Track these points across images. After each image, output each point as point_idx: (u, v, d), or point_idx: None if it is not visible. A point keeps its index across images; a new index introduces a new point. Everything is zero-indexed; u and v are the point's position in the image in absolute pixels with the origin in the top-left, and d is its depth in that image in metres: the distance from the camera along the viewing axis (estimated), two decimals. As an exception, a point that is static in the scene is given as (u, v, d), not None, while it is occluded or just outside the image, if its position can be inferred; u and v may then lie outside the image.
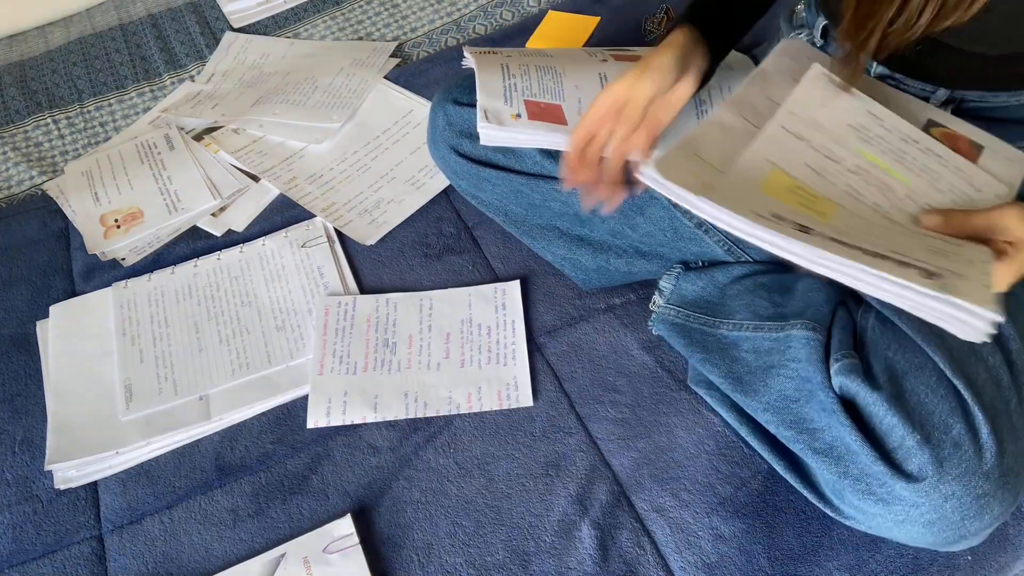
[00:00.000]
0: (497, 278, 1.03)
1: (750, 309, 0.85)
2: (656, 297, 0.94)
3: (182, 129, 1.27)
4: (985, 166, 0.75)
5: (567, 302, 0.99)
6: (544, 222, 0.97)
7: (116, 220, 1.15)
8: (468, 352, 0.96)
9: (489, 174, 0.95)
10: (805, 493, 0.77)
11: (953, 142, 0.76)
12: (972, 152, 0.76)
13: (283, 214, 1.14)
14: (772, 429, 0.79)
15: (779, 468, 0.79)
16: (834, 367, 0.76)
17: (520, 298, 1.00)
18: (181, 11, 1.52)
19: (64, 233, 1.16)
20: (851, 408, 0.74)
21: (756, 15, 0.86)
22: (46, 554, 0.85)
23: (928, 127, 0.77)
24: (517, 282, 1.01)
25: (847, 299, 0.84)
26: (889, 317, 0.77)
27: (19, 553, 0.85)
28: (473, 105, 0.89)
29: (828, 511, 0.76)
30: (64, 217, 1.17)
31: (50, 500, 0.89)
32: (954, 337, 0.70)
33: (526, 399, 0.92)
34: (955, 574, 0.75)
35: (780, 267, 0.90)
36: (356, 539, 0.81)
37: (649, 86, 0.76)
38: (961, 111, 0.77)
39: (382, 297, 1.01)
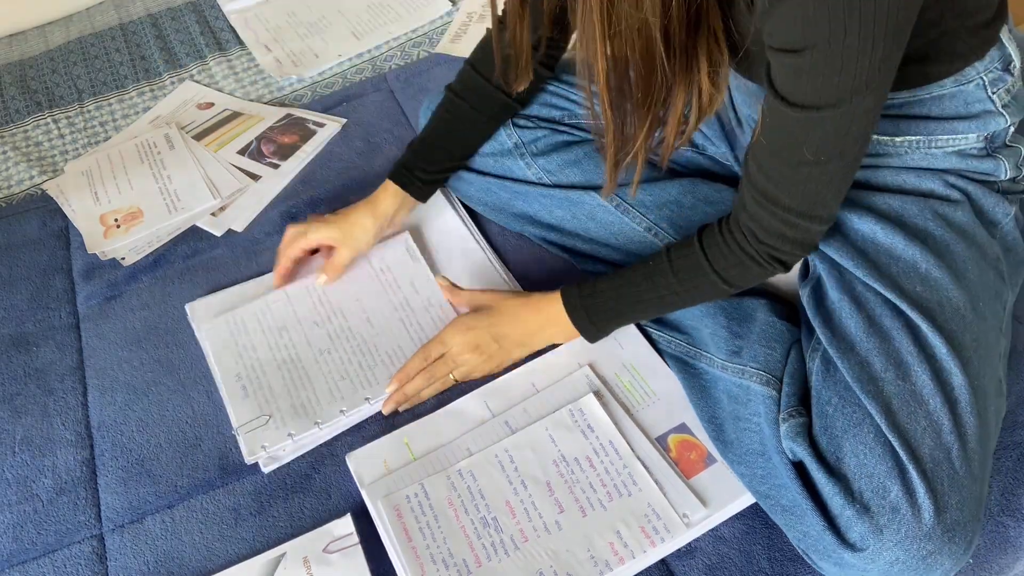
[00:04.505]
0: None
1: (714, 340, 0.86)
2: None
3: (182, 128, 1.27)
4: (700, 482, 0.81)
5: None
6: (518, 211, 1.04)
7: (116, 220, 1.15)
8: (582, 495, 0.81)
9: (463, 173, 1.06)
10: (791, 539, 0.77)
11: (687, 451, 0.84)
12: (701, 463, 0.83)
13: (284, 213, 1.14)
14: (745, 483, 0.79)
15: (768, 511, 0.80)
16: (782, 427, 0.76)
17: (602, 412, 0.86)
18: (181, 11, 1.52)
19: (64, 233, 1.16)
20: (804, 469, 0.75)
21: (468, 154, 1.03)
22: (46, 553, 0.85)
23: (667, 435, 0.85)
24: (591, 395, 0.87)
25: (802, 334, 0.85)
26: (832, 358, 0.77)
27: (19, 553, 0.85)
28: None
29: (808, 561, 0.75)
30: (64, 217, 1.17)
31: (50, 500, 0.89)
32: (894, 382, 0.72)
33: (676, 525, 0.78)
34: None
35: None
36: (356, 539, 0.81)
37: (346, 254, 1.00)
38: None
39: (451, 469, 0.84)
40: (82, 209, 1.17)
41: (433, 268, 1.03)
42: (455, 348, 0.90)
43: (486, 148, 1.03)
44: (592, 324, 0.87)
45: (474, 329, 0.90)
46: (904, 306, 0.75)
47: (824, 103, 0.63)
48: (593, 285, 0.86)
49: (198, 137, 1.26)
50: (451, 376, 0.91)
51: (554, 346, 0.93)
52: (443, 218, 1.08)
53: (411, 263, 1.03)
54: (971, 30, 0.73)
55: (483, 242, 1.05)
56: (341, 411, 0.91)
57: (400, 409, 0.91)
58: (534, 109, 1.03)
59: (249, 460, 0.88)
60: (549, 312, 0.88)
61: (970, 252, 0.78)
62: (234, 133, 1.26)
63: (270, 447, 0.88)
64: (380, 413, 0.91)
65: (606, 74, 0.68)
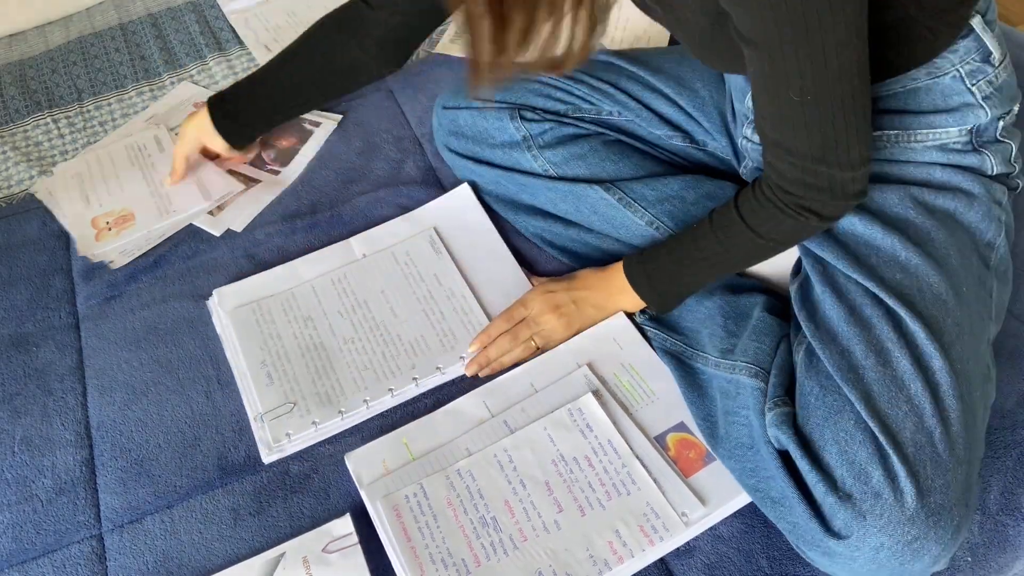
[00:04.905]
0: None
1: (711, 340, 0.87)
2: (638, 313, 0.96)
3: (172, 131, 1.27)
4: (698, 481, 0.81)
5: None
6: (524, 203, 1.06)
7: (107, 222, 1.14)
8: (581, 495, 0.81)
9: (474, 166, 1.09)
10: (784, 533, 0.77)
11: (685, 449, 0.84)
12: (700, 461, 0.82)
13: (283, 214, 1.14)
14: (736, 477, 0.79)
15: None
16: (768, 416, 0.77)
17: (601, 411, 0.86)
18: (181, 11, 1.52)
19: (64, 233, 1.16)
20: (791, 460, 0.74)
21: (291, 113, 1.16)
22: (46, 553, 0.85)
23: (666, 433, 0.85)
24: (590, 395, 0.88)
25: (791, 328, 0.85)
26: (815, 349, 0.77)
27: (19, 553, 0.85)
28: (458, 108, 1.08)
29: (801, 553, 0.75)
30: (64, 217, 1.17)
31: (50, 500, 0.89)
32: (874, 368, 0.73)
33: (675, 524, 0.79)
34: (955, 574, 0.75)
35: (740, 284, 0.92)
36: (355, 539, 0.81)
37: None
38: None
39: (450, 469, 0.84)
40: (72, 212, 1.16)
41: (456, 262, 1.04)
42: (536, 309, 0.93)
43: (497, 139, 1.05)
44: (653, 289, 0.89)
45: (553, 292, 0.93)
46: (883, 295, 0.75)
47: (769, 38, 0.64)
48: (653, 251, 0.89)
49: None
50: (532, 341, 0.92)
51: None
52: (467, 214, 1.10)
53: (435, 257, 1.05)
54: (933, 15, 0.73)
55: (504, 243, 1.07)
56: (365, 401, 0.91)
57: (481, 374, 0.92)
58: (539, 102, 1.05)
59: (273, 447, 0.88)
60: (619, 280, 0.91)
61: (953, 239, 0.78)
62: (233, 133, 1.26)
63: (294, 434, 0.89)
64: (382, 414, 0.92)
65: None
